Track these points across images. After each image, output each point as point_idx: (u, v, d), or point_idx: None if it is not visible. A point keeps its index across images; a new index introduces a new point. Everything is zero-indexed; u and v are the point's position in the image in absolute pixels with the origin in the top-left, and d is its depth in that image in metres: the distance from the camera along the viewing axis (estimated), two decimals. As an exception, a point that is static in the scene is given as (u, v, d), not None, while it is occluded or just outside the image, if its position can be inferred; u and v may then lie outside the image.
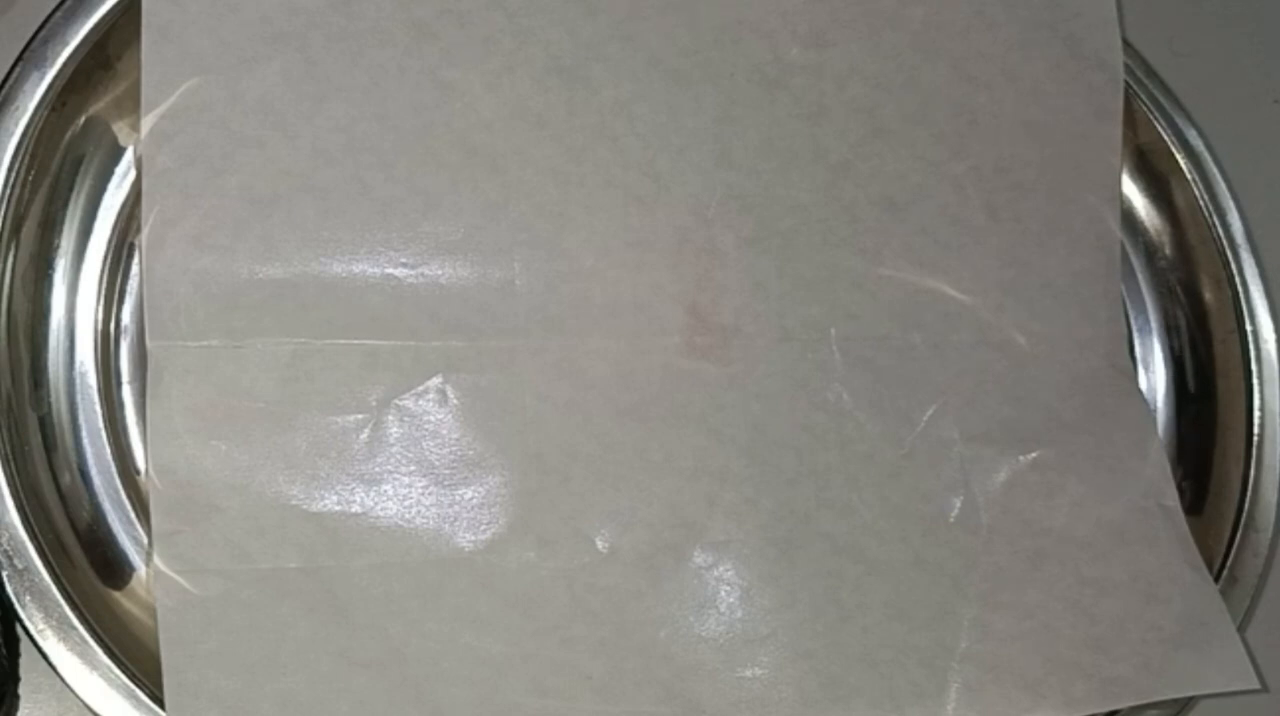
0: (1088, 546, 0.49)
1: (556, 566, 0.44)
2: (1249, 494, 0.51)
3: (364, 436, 0.44)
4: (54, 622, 0.41)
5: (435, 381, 0.45)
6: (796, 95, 0.49)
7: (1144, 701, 0.47)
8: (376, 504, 0.44)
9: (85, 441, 0.45)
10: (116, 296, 0.46)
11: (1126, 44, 0.53)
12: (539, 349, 0.46)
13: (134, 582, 0.44)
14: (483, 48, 0.46)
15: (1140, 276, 0.55)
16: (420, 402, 0.45)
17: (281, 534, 0.43)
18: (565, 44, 0.47)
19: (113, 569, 0.44)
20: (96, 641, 0.41)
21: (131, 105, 0.44)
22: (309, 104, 0.45)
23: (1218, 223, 0.53)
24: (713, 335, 0.47)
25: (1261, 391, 0.52)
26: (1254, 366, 0.52)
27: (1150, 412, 0.52)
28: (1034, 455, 0.49)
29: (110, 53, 0.45)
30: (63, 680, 0.41)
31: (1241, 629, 0.49)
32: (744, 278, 0.48)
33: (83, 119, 0.45)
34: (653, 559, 0.45)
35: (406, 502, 0.44)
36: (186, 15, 0.44)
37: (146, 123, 0.43)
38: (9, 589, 0.41)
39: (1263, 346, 0.53)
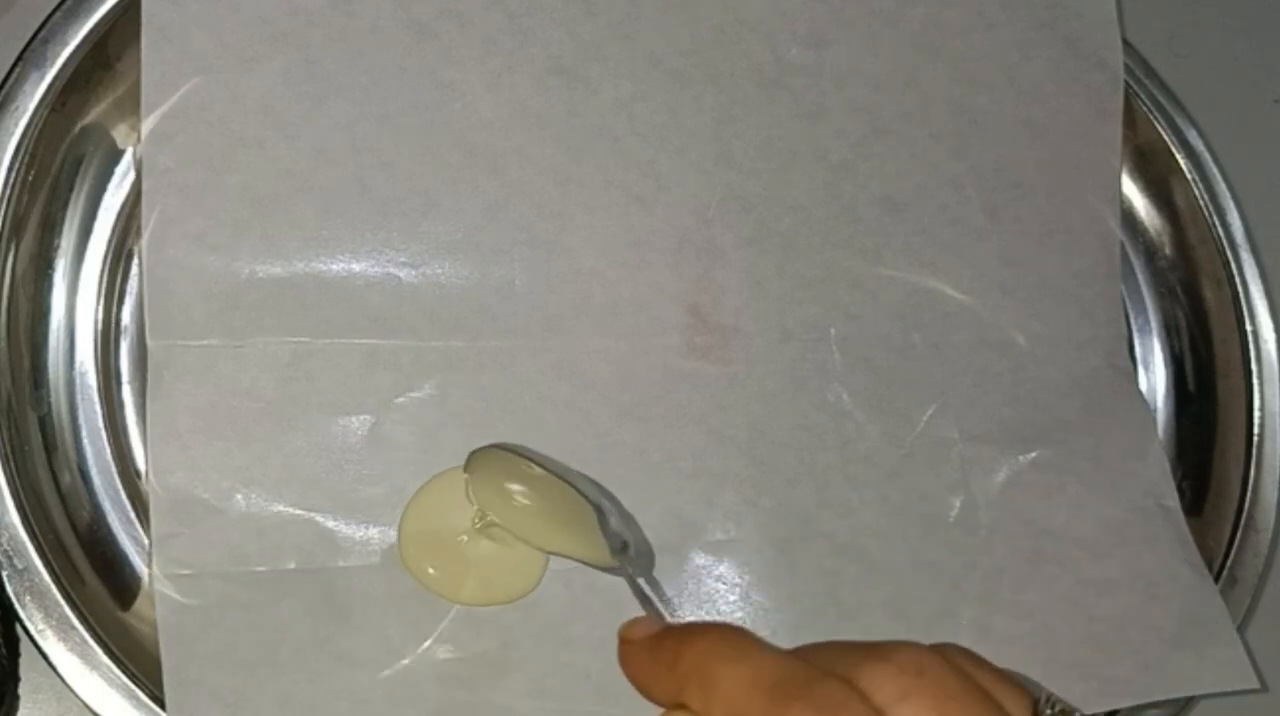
0: (1087, 546, 0.49)
1: (554, 566, 0.44)
2: (1249, 494, 0.51)
3: (364, 436, 0.44)
4: (54, 622, 0.41)
5: (435, 381, 0.45)
6: (796, 95, 0.49)
7: (1144, 701, 0.47)
8: (376, 504, 0.44)
9: (85, 441, 0.45)
10: (116, 296, 0.46)
11: (1126, 44, 0.53)
12: (539, 349, 0.46)
13: (134, 582, 0.44)
14: (483, 48, 0.46)
15: (1140, 276, 0.54)
16: (420, 402, 0.45)
17: (281, 535, 0.43)
18: (565, 44, 0.47)
19: (113, 569, 0.44)
20: (96, 641, 0.41)
21: (132, 106, 0.44)
22: (309, 104, 0.45)
23: (1218, 223, 0.53)
24: (713, 335, 0.47)
25: (1261, 391, 0.52)
26: (1254, 366, 0.52)
27: (1150, 413, 0.52)
28: (1034, 455, 0.49)
29: (110, 53, 0.45)
30: (63, 680, 0.41)
31: (1241, 629, 0.49)
32: (744, 278, 0.48)
33: (82, 119, 0.45)
34: (653, 559, 0.45)
35: (406, 503, 0.44)
36: (186, 15, 0.44)
37: (147, 123, 0.43)
38: (9, 589, 0.41)
39: (1263, 346, 0.53)
